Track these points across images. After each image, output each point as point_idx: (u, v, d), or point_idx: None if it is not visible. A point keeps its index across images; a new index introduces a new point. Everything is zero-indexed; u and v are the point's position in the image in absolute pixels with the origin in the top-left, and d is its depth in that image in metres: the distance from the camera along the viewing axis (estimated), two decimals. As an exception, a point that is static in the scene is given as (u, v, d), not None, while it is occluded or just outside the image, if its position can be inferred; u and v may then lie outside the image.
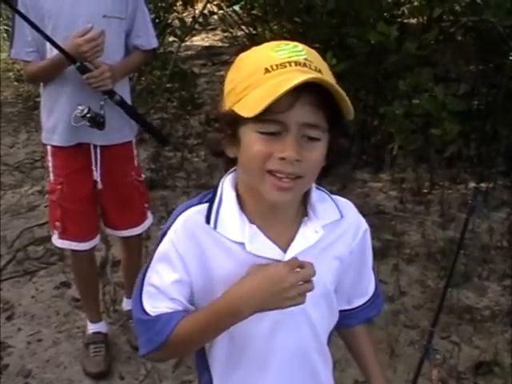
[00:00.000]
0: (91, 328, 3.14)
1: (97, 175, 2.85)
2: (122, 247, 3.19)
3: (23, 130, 6.02)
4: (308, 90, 1.15)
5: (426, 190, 4.45)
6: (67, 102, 2.72)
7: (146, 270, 1.36)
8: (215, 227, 1.30)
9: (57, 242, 2.96)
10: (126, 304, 3.27)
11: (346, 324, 1.53)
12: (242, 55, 1.28)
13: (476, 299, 3.34)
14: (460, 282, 3.37)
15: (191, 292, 1.34)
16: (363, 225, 1.44)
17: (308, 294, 1.27)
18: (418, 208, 4.26)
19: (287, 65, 1.18)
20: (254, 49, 1.28)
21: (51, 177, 2.90)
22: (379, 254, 3.59)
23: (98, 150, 2.83)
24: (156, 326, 1.31)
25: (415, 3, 4.39)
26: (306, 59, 1.19)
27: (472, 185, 4.32)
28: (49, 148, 2.88)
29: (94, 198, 2.92)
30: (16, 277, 3.75)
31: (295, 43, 1.24)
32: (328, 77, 1.20)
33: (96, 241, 3.00)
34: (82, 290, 3.17)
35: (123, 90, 2.84)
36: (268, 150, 1.20)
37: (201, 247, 1.31)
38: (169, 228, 1.33)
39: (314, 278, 1.29)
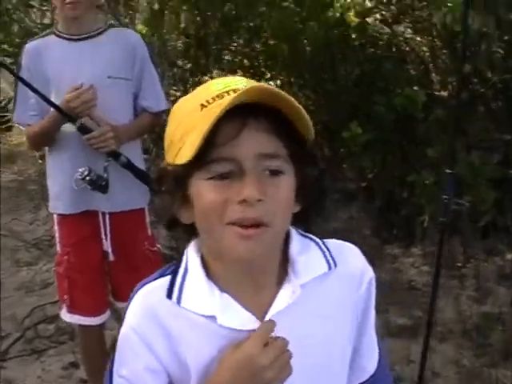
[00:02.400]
0: None
1: (107, 245, 2.70)
2: None
3: (44, 207, 5.90)
4: (255, 116, 0.98)
5: (459, 264, 4.20)
6: (70, 165, 2.60)
7: (112, 362, 1.13)
8: (179, 302, 1.08)
9: (65, 316, 2.81)
10: None
11: None
12: (175, 105, 1.10)
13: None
14: (498, 361, 3.09)
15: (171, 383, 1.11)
16: (369, 272, 1.19)
17: (298, 370, 1.06)
18: (451, 282, 4.01)
19: (225, 94, 1.00)
20: (188, 95, 1.10)
21: (58, 248, 2.77)
22: (410, 333, 3.32)
23: (107, 218, 2.68)
24: None
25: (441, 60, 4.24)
26: (245, 85, 1.01)
27: (509, 256, 4.09)
28: (55, 217, 2.76)
29: (103, 268, 2.77)
30: (23, 355, 3.57)
31: (237, 77, 1.07)
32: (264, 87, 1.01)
33: (106, 316, 2.82)
34: (90, 370, 2.96)
35: (133, 153, 2.70)
36: (223, 197, 1.00)
37: (165, 328, 1.09)
38: (126, 310, 1.12)
39: (304, 350, 1.08)
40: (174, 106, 1.10)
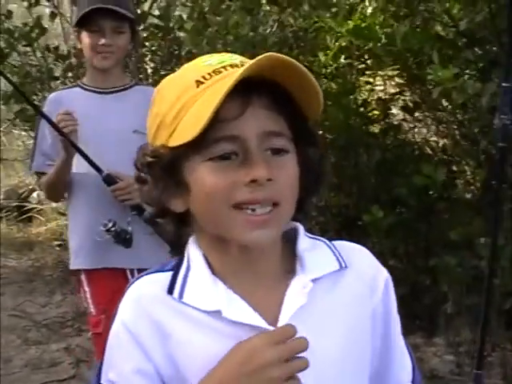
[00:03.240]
0: None
1: None
2: None
3: (58, 292, 5.85)
4: (258, 92, 0.93)
5: (486, 353, 4.01)
6: (94, 217, 2.54)
7: (99, 366, 1.04)
8: (181, 297, 0.99)
9: None
10: None
11: None
12: (161, 85, 1.04)
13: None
14: None
15: None
16: (383, 273, 1.10)
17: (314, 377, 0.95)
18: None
19: (222, 70, 0.95)
20: (174, 74, 1.04)
21: (91, 309, 2.66)
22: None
23: (136, 274, 2.56)
24: None
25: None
26: (241, 61, 0.97)
27: (537, 346, 3.92)
28: (82, 277, 2.65)
29: None
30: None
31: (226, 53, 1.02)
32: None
33: None
34: None
35: None
36: (229, 181, 0.93)
37: (161, 326, 0.99)
38: (117, 309, 1.04)
39: (322, 353, 0.97)
40: (159, 85, 1.05)
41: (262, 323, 0.98)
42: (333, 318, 1.04)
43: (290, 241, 1.06)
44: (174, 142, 0.95)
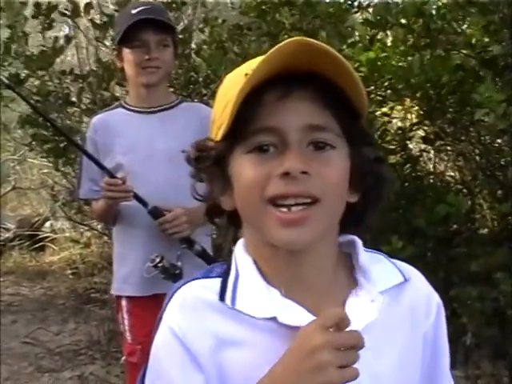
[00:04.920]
0: None
1: None
2: None
3: (72, 321, 5.81)
4: (302, 83, 0.90)
5: (506, 386, 3.96)
6: (141, 249, 2.49)
7: (143, 376, 1.00)
8: (233, 303, 0.95)
9: None
10: None
11: None
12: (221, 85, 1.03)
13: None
14: None
15: None
16: (435, 295, 1.07)
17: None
18: (496, 404, 3.75)
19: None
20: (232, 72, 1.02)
21: (128, 336, 2.60)
22: None
23: None
24: None
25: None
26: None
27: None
28: (123, 303, 2.60)
29: None
30: None
31: None
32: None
33: None
34: None
35: (203, 240, 2.55)
36: (263, 172, 0.91)
37: (212, 331, 0.96)
38: (162, 313, 1.00)
39: (380, 370, 0.95)
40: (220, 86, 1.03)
41: None
42: (392, 335, 1.01)
43: (346, 252, 1.03)
44: (220, 135, 0.95)
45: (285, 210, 0.91)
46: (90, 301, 6.36)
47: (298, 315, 0.95)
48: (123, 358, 2.69)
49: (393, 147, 4.55)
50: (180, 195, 2.47)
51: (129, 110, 2.64)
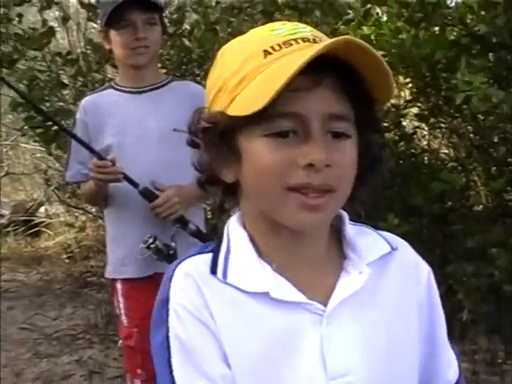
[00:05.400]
0: None
1: None
2: None
3: (69, 306, 5.81)
4: (330, 71, 0.89)
5: (500, 360, 3.98)
6: (134, 231, 2.47)
7: (171, 377, 0.94)
8: (225, 277, 0.95)
9: None
10: None
11: None
12: (226, 47, 1.00)
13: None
14: None
15: None
16: (425, 264, 1.08)
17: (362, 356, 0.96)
18: (492, 378, 3.82)
19: (293, 42, 0.92)
20: (240, 37, 0.99)
21: (124, 320, 2.58)
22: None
23: None
24: None
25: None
26: (313, 35, 0.93)
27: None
28: (118, 286, 2.57)
29: None
30: None
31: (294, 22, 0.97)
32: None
33: None
34: None
35: (196, 218, 2.55)
36: (285, 160, 0.90)
37: (208, 306, 0.95)
38: (167, 293, 0.97)
39: (369, 338, 0.97)
40: (225, 47, 1.01)
41: (313, 304, 0.96)
42: (381, 303, 1.02)
43: (334, 226, 1.03)
44: (235, 110, 0.92)
45: (303, 195, 0.92)
46: (86, 285, 6.36)
47: (289, 291, 0.96)
48: (120, 341, 2.69)
49: (386, 124, 4.54)
50: (172, 174, 2.47)
51: (119, 90, 2.62)
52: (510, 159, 3.67)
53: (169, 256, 2.39)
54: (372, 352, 0.98)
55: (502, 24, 3.03)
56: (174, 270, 0.99)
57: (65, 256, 7.06)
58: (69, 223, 7.36)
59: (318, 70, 0.89)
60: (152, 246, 2.38)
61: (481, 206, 4.10)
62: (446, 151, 4.86)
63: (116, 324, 4.99)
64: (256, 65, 0.92)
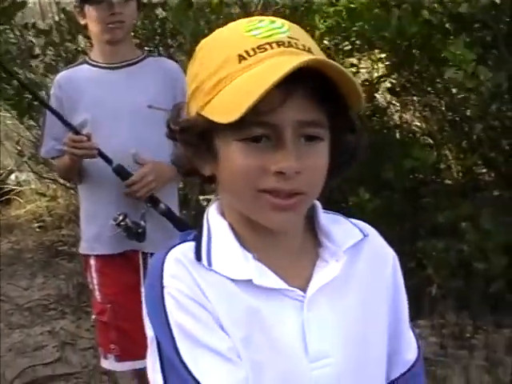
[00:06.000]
0: None
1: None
2: None
3: (40, 275, 5.79)
4: (300, 79, 0.89)
5: (468, 335, 4.05)
6: (107, 207, 2.48)
7: (179, 358, 0.97)
8: (209, 264, 0.98)
9: (113, 366, 2.63)
10: None
11: None
12: (204, 42, 1.02)
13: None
14: None
15: None
16: (390, 250, 1.13)
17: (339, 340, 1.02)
18: (460, 352, 3.86)
19: (267, 46, 0.93)
20: (220, 31, 1.01)
21: (97, 295, 2.60)
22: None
23: (148, 258, 2.50)
24: None
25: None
26: (289, 37, 0.94)
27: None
28: (92, 262, 2.58)
29: None
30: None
31: (271, 18, 0.99)
32: (321, 56, 0.96)
33: None
34: None
35: (169, 198, 2.56)
36: (257, 164, 0.93)
37: (201, 288, 0.99)
38: (160, 281, 0.99)
39: (346, 321, 1.04)
40: (202, 43, 1.02)
41: (295, 290, 1.01)
42: (355, 286, 1.07)
43: (308, 215, 1.07)
44: (210, 113, 0.94)
45: (275, 198, 0.95)
46: (57, 254, 6.34)
47: (271, 279, 1.00)
48: (93, 316, 2.70)
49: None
50: (146, 150, 2.47)
51: (93, 66, 2.60)
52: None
53: (138, 234, 2.42)
54: (348, 334, 1.04)
55: (485, 2, 3.04)
56: (163, 259, 1.01)
57: (36, 225, 7.02)
58: (40, 192, 7.30)
59: (290, 80, 0.89)
60: (122, 223, 2.39)
61: (452, 181, 4.14)
62: (419, 124, 4.89)
63: (88, 295, 5.03)
64: (231, 70, 0.94)
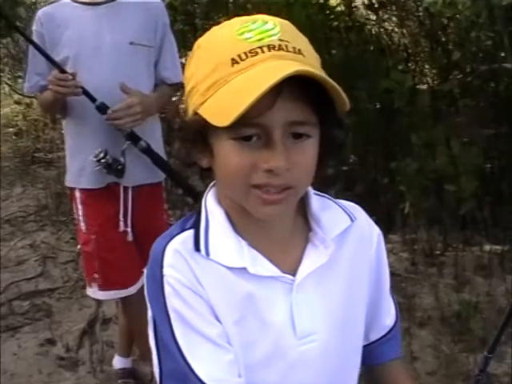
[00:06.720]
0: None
1: (123, 226, 2.60)
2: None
3: (18, 184, 5.84)
4: (289, 82, 0.93)
5: (438, 252, 4.18)
6: (91, 143, 2.48)
7: (174, 339, 1.06)
8: (207, 254, 1.06)
9: (97, 295, 2.71)
10: (118, 362, 3.01)
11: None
12: (201, 41, 1.06)
13: (494, 365, 3.02)
14: (476, 347, 3.08)
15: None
16: (376, 228, 1.21)
17: (325, 321, 1.10)
18: (430, 270, 3.99)
19: (258, 51, 0.97)
20: (215, 31, 1.05)
21: (82, 226, 2.64)
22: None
23: (130, 192, 2.57)
24: None
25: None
26: (280, 39, 0.98)
27: (487, 247, 4.08)
28: (77, 194, 2.62)
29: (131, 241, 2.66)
30: (-3, 332, 3.46)
31: (264, 18, 1.02)
32: (311, 58, 1.00)
33: (141, 282, 2.62)
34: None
35: (153, 132, 2.60)
36: (249, 162, 0.99)
37: (197, 278, 1.06)
38: (160, 270, 1.06)
39: (331, 303, 1.12)
40: (199, 42, 1.06)
41: (285, 276, 1.08)
42: (340, 270, 1.14)
43: (300, 200, 1.13)
44: (205, 114, 0.99)
45: (264, 191, 1.01)
46: (34, 161, 6.36)
47: (264, 266, 1.07)
48: (78, 246, 2.78)
49: (339, 14, 4.53)
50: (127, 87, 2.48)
51: (75, 1, 2.54)
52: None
53: (117, 171, 2.46)
54: (332, 314, 1.13)
55: None
56: (164, 248, 1.08)
57: (11, 130, 6.98)
58: (16, 101, 7.21)
59: (279, 83, 0.93)
60: (102, 160, 2.43)
61: (427, 105, 4.18)
62: (396, 36, 4.88)
63: (66, 205, 5.09)
64: (224, 73, 0.98)
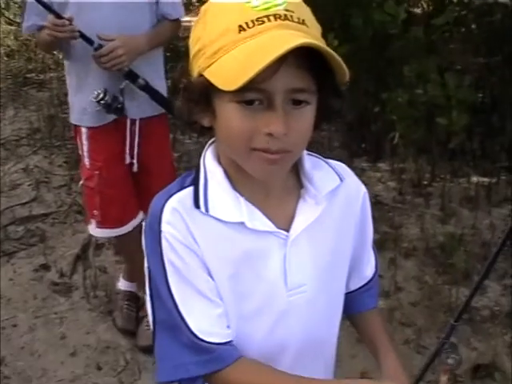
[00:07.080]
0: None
1: (129, 158, 2.67)
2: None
3: (10, 107, 5.81)
4: (292, 51, 0.97)
5: (426, 182, 4.25)
6: (93, 82, 2.52)
7: (169, 290, 1.13)
8: (207, 210, 1.12)
9: (95, 232, 2.79)
10: (123, 284, 3.11)
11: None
12: (209, 5, 1.09)
13: (475, 298, 3.14)
14: (459, 280, 3.18)
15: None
16: (362, 187, 1.28)
17: (313, 273, 1.19)
18: (417, 200, 4.07)
19: (265, 19, 1.00)
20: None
21: (86, 162, 2.69)
22: (376, 247, 3.36)
23: (137, 124, 2.62)
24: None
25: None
26: (286, 9, 1.01)
27: (474, 179, 4.14)
28: (83, 130, 2.66)
29: (131, 178, 2.74)
30: (-7, 257, 3.54)
31: None
32: (313, 28, 1.03)
33: (138, 219, 2.74)
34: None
35: (156, 68, 2.64)
36: (251, 126, 1.04)
37: (192, 234, 1.13)
38: (159, 226, 1.12)
39: (320, 256, 1.19)
40: (206, 7, 1.09)
41: (280, 231, 1.15)
42: (329, 226, 1.21)
43: None
44: (210, 77, 1.03)
45: (265, 154, 1.06)
46: (26, 83, 6.32)
47: (260, 221, 1.14)
48: (81, 182, 2.82)
49: None
50: (125, 27, 2.49)
51: None
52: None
53: (117, 109, 2.50)
54: (321, 267, 1.20)
55: None
56: (163, 206, 1.14)
57: (3, 51, 6.90)
58: (7, 21, 7.08)
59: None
60: (102, 101, 2.46)
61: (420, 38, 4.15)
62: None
63: (59, 128, 5.11)
64: (231, 39, 1.01)
